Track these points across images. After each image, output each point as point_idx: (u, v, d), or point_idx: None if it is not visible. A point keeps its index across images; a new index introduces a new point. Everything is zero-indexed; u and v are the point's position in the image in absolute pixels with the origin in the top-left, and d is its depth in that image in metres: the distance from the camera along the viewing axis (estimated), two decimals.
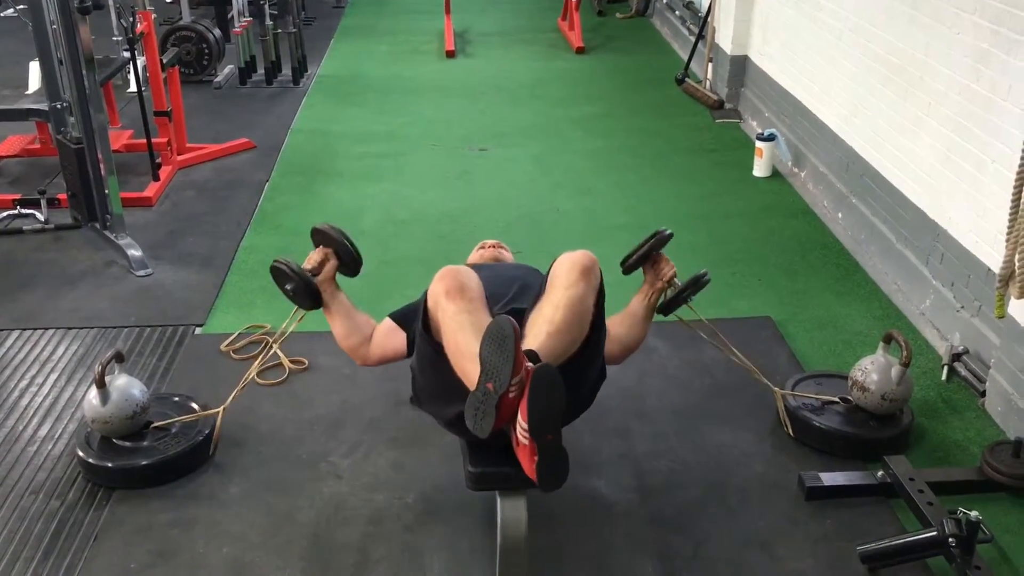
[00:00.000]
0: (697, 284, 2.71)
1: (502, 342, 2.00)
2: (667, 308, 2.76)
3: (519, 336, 2.01)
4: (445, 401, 2.31)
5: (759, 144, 5.23)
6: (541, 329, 2.21)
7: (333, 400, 3.23)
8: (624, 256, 2.75)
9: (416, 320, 2.44)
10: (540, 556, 2.48)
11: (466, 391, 2.18)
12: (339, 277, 2.76)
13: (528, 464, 2.05)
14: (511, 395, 2.00)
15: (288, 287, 2.68)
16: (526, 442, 2.03)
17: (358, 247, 2.72)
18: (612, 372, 2.56)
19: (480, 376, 2.04)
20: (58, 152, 4.36)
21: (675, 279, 2.72)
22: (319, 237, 2.74)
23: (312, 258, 2.70)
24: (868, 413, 2.97)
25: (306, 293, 2.65)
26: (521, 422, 2.02)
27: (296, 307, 2.78)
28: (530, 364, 2.06)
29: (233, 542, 2.61)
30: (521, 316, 2.36)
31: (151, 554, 2.56)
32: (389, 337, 2.65)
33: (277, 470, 2.89)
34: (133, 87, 5.64)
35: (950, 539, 2.38)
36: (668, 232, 2.74)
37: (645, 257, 2.73)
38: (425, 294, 2.35)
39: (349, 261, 2.71)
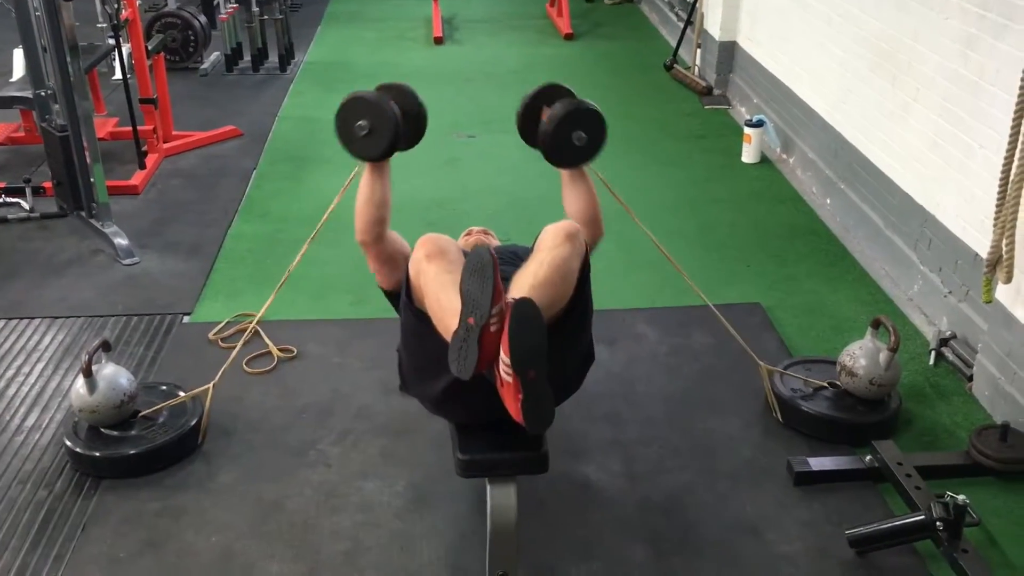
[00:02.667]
0: (567, 109, 2.40)
1: (481, 271, 2.00)
2: (550, 152, 2.49)
3: (497, 265, 2.01)
4: (432, 375, 2.29)
5: (747, 130, 5.22)
6: (524, 282, 2.19)
7: (322, 388, 3.23)
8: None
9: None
10: (530, 542, 2.49)
11: None
12: None
13: (513, 404, 2.04)
14: (492, 328, 2.00)
15: (363, 123, 2.34)
16: (510, 379, 2.01)
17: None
18: (601, 358, 2.55)
19: (462, 313, 2.03)
20: (43, 140, 4.33)
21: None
22: (388, 91, 2.46)
23: None
24: (856, 398, 2.98)
25: (389, 129, 2.33)
26: (504, 358, 2.01)
27: (358, 158, 2.46)
28: (510, 299, 2.05)
29: (222, 531, 2.61)
30: (508, 282, 2.33)
31: (140, 543, 2.56)
32: (403, 253, 2.52)
33: (266, 458, 2.89)
34: (118, 74, 5.59)
35: (938, 523, 2.40)
36: (556, 83, 2.56)
37: (532, 108, 2.53)
38: (407, 267, 2.33)
39: (416, 120, 2.48)
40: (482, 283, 2.00)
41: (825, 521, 2.65)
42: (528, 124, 2.58)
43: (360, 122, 2.36)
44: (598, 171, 2.69)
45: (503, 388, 2.06)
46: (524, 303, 2.02)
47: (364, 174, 2.50)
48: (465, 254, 2.36)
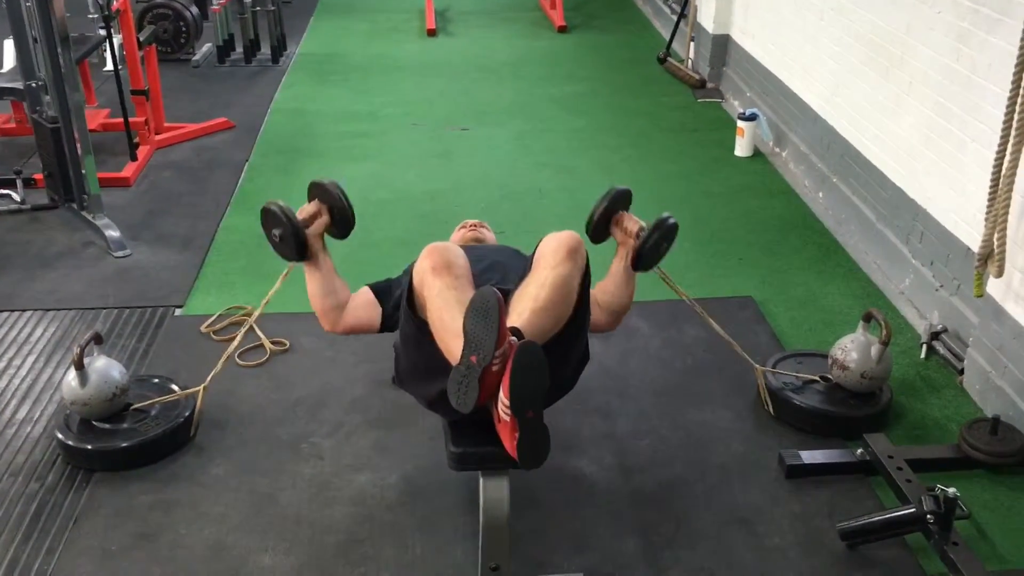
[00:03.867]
0: (662, 226, 2.57)
1: (486, 313, 2.00)
2: (639, 260, 2.60)
3: (503, 307, 2.00)
4: (428, 380, 2.31)
5: (741, 124, 5.23)
6: (525, 307, 2.21)
7: (314, 381, 3.22)
8: (586, 222, 2.66)
9: (396, 297, 2.42)
10: (523, 535, 2.49)
11: (449, 369, 2.17)
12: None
13: (509, 441, 2.05)
14: (494, 368, 2.00)
15: (276, 232, 2.55)
16: (507, 419, 2.03)
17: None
18: (594, 352, 2.56)
19: (464, 349, 2.03)
20: (34, 131, 4.31)
21: (642, 232, 2.61)
22: (316, 191, 2.64)
23: (305, 210, 2.60)
24: (848, 391, 2.99)
25: (293, 241, 2.53)
26: (503, 398, 2.02)
27: (283, 260, 2.65)
28: (514, 339, 2.06)
29: (214, 524, 2.60)
30: (506, 297, 2.35)
31: (132, 536, 2.56)
32: (365, 309, 2.62)
33: (259, 451, 2.89)
34: (109, 65, 5.58)
35: (928, 516, 2.41)
36: (624, 188, 2.66)
37: (606, 217, 2.63)
38: (409, 271, 2.33)
39: (341, 220, 2.61)
40: (486, 325, 1.99)
41: (816, 514, 2.66)
42: (600, 228, 2.67)
43: (274, 230, 2.56)
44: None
45: (500, 424, 2.07)
46: (528, 348, 2.01)
47: (305, 272, 2.63)
48: (469, 254, 2.37)
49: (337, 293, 2.63)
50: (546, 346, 2.14)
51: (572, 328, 2.29)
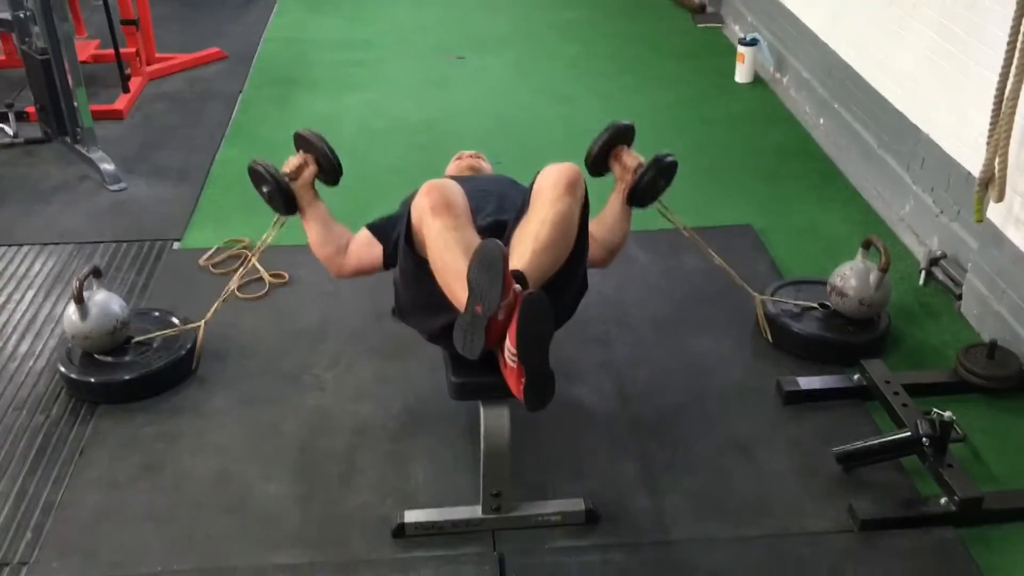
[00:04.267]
0: (659, 163, 2.58)
1: (491, 265, 1.99)
2: (636, 197, 2.63)
3: (507, 261, 2.00)
4: (429, 314, 2.31)
5: (741, 49, 5.15)
6: (527, 247, 2.20)
7: (314, 313, 3.23)
8: (585, 155, 2.65)
9: (396, 234, 2.41)
10: (523, 462, 2.52)
11: (449, 304, 2.18)
12: (319, 186, 2.71)
13: (515, 386, 2.07)
14: (499, 317, 2.01)
15: (264, 190, 2.62)
16: (514, 365, 2.04)
17: (339, 155, 2.67)
18: (593, 282, 2.56)
19: (468, 299, 2.04)
20: (24, 64, 4.25)
21: (640, 168, 2.62)
22: (300, 142, 2.68)
23: (291, 162, 2.64)
24: (846, 318, 3.00)
25: (281, 197, 2.60)
26: (509, 347, 2.03)
27: (275, 213, 2.73)
28: (518, 287, 2.06)
29: (219, 454, 2.64)
30: (503, 229, 2.34)
31: (137, 467, 2.59)
32: (366, 249, 2.63)
33: (260, 383, 2.91)
34: None
35: (923, 439, 2.44)
36: (626, 122, 2.65)
37: (605, 152, 2.63)
38: (408, 207, 2.32)
39: (328, 168, 2.65)
40: (491, 277, 1.99)
41: (813, 439, 2.69)
42: (598, 162, 2.67)
43: (262, 188, 2.63)
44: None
45: (506, 369, 2.09)
46: (534, 299, 2.01)
47: (302, 222, 2.67)
48: (466, 185, 2.35)
49: (337, 239, 2.65)
50: (547, 281, 2.15)
51: (572, 262, 2.29)
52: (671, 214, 2.86)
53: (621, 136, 2.65)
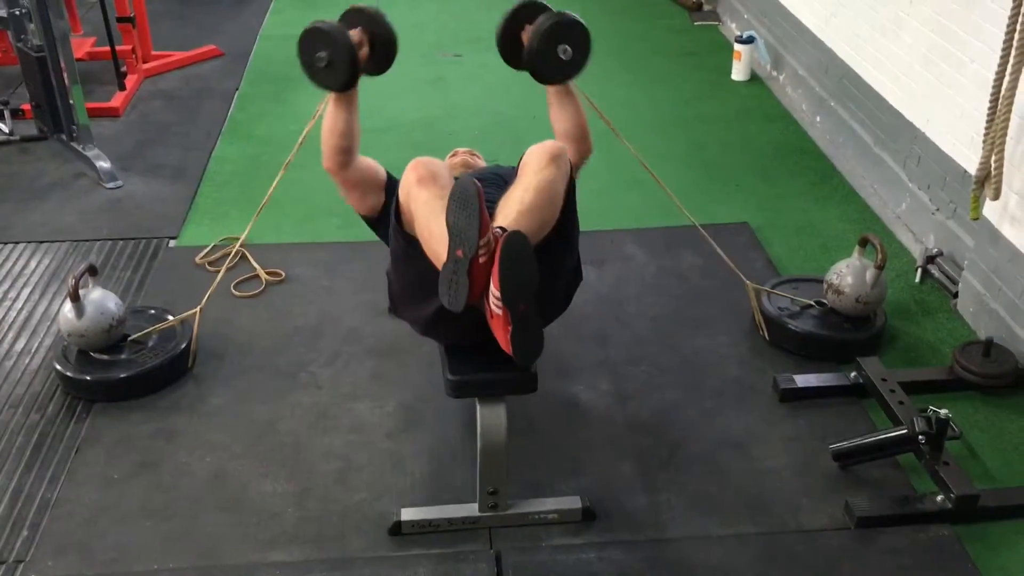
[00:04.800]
0: (548, 22, 2.37)
1: (466, 201, 1.98)
2: (531, 66, 2.44)
3: (482, 196, 1.99)
4: (422, 299, 2.29)
5: (738, 47, 5.15)
6: (512, 209, 2.18)
7: (311, 311, 3.23)
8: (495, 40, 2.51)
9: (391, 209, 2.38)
10: (519, 460, 2.52)
11: None
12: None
13: (503, 336, 2.05)
14: (481, 259, 2.00)
15: (322, 55, 2.30)
16: (499, 312, 2.02)
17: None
18: (589, 279, 2.56)
19: (449, 245, 2.03)
20: (19, 61, 4.24)
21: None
22: (359, 18, 2.42)
23: (351, 35, 2.36)
24: (842, 316, 3.01)
25: (348, 61, 2.30)
26: (494, 291, 2.01)
27: (323, 92, 2.43)
28: (499, 230, 2.05)
29: (215, 451, 2.63)
30: (493, 207, 2.32)
31: (134, 465, 2.58)
32: (375, 178, 2.54)
33: (257, 381, 2.90)
34: None
35: (920, 436, 2.44)
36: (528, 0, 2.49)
37: (512, 33, 2.48)
38: (397, 190, 2.31)
39: (384, 50, 2.42)
40: (468, 215, 1.98)
41: (810, 436, 2.69)
42: (508, 44, 2.53)
43: (319, 53, 2.32)
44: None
45: (493, 320, 2.07)
46: (514, 237, 2.00)
47: (329, 103, 2.45)
48: (456, 179, 2.34)
49: (355, 138, 2.48)
50: (536, 253, 2.12)
51: (561, 236, 2.27)
52: (595, 105, 2.69)
53: (524, 12, 2.50)
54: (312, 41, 2.33)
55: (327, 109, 2.46)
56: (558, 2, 2.51)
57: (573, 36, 2.41)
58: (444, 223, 2.07)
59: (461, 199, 2.00)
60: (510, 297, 2.00)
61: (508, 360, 2.11)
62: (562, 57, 2.41)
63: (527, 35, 2.46)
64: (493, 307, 2.04)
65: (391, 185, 2.57)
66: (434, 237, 2.14)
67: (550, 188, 2.21)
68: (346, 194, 2.58)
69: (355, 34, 2.39)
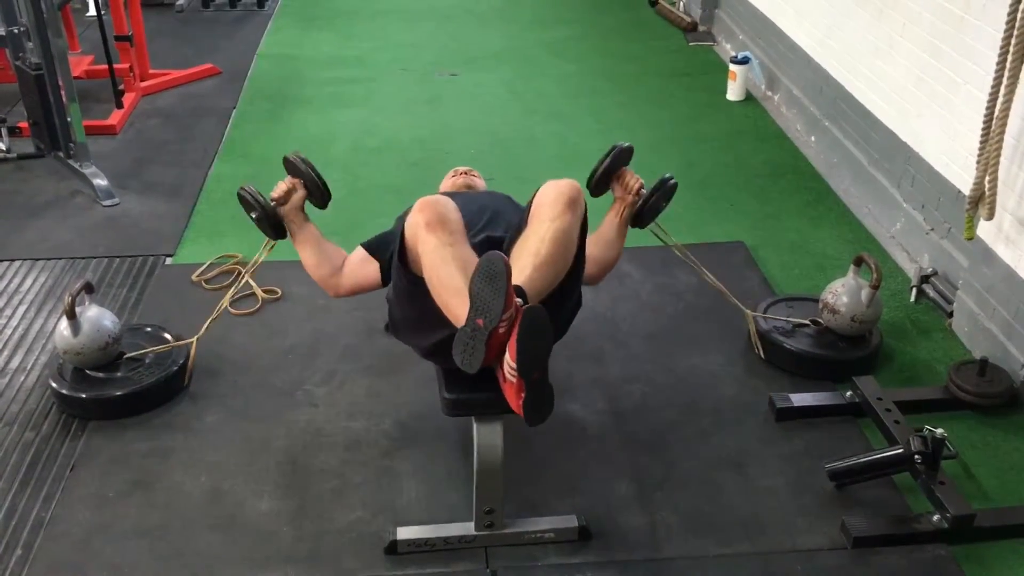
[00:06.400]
0: (663, 186, 2.66)
1: (494, 278, 1.99)
2: (639, 218, 2.69)
3: (510, 273, 2.01)
4: (424, 331, 2.31)
5: (732, 67, 5.18)
6: (527, 263, 2.20)
7: (307, 329, 3.23)
8: (588, 177, 2.68)
9: (392, 250, 2.41)
10: (516, 479, 2.52)
11: (445, 320, 2.17)
12: (310, 208, 2.71)
13: (515, 401, 2.07)
14: (501, 331, 2.01)
15: (253, 215, 2.64)
16: (514, 380, 2.04)
17: (326, 178, 2.66)
18: (586, 299, 2.56)
19: (470, 312, 2.03)
20: (17, 79, 4.25)
21: (643, 190, 2.67)
22: (288, 167, 2.70)
23: (280, 187, 2.65)
24: (838, 335, 3.01)
25: (269, 223, 2.62)
26: (509, 361, 2.03)
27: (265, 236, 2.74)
28: (519, 300, 2.06)
29: (211, 470, 2.62)
30: (498, 245, 2.34)
31: (128, 483, 2.58)
32: (361, 267, 2.63)
33: (253, 399, 2.90)
34: (92, 11, 5.47)
35: (916, 456, 2.44)
36: (627, 145, 2.68)
37: (609, 174, 2.67)
38: (401, 224, 2.32)
39: (316, 192, 2.66)
40: (494, 290, 1.99)
41: (805, 455, 2.69)
42: (603, 182, 2.68)
43: (251, 213, 2.64)
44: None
45: (505, 384, 2.09)
46: (534, 313, 2.01)
47: (294, 245, 2.66)
48: (459, 200, 2.35)
49: (331, 259, 2.64)
50: (545, 299, 2.15)
51: (570, 279, 2.30)
52: (665, 234, 2.88)
53: (623, 158, 2.68)
54: (242, 204, 2.65)
55: (298, 252, 2.66)
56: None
57: (671, 195, 2.73)
58: (455, 272, 2.11)
59: (489, 274, 2.00)
60: (526, 369, 2.02)
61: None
62: (658, 211, 2.73)
63: (623, 179, 2.65)
64: (507, 375, 2.05)
65: (375, 249, 2.60)
66: (445, 288, 2.15)
67: (566, 238, 2.23)
68: (360, 293, 2.69)
69: (286, 184, 2.63)
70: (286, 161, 2.69)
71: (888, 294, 3.41)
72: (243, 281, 3.06)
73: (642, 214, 2.67)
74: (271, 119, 4.97)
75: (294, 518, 2.47)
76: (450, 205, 2.30)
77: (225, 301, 2.98)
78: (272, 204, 2.62)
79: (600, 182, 2.67)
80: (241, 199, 2.65)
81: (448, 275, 2.14)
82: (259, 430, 2.77)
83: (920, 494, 2.50)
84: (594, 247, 2.63)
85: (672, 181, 2.68)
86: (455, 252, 2.17)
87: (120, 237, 3.81)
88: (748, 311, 3.11)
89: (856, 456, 2.58)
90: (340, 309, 3.31)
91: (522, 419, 2.10)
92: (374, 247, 2.62)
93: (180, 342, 2.97)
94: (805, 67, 4.69)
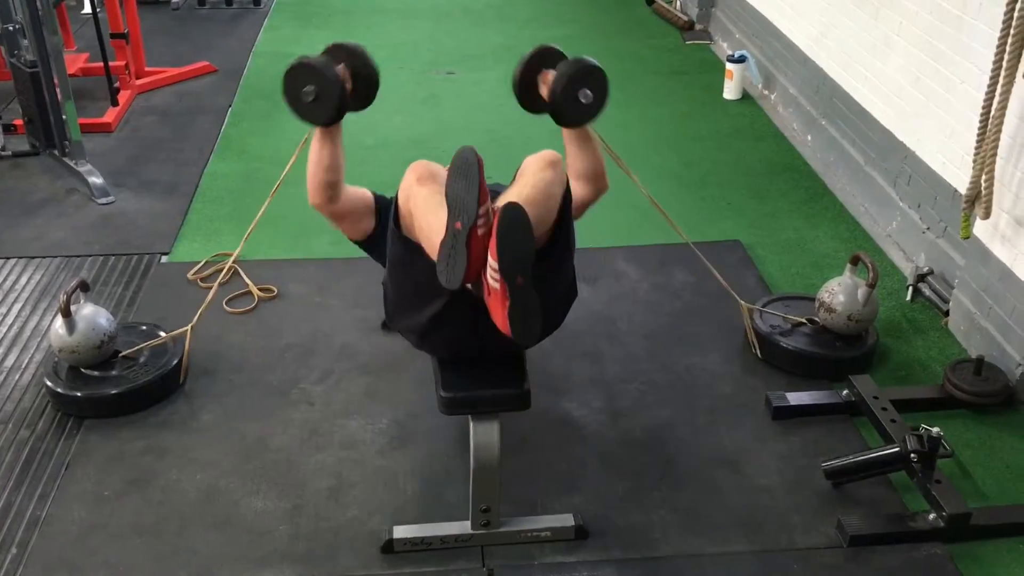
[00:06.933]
0: (573, 68, 2.38)
1: (466, 170, 2.00)
2: (557, 112, 2.45)
3: (482, 166, 2.01)
4: (417, 305, 2.28)
5: (729, 66, 5.18)
6: (510, 199, 2.19)
7: (303, 328, 3.22)
8: (512, 83, 2.53)
9: (387, 218, 2.38)
10: (513, 477, 2.52)
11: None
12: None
13: (500, 312, 2.04)
14: (480, 231, 2.00)
15: (309, 89, 2.33)
16: (497, 286, 2.01)
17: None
18: (582, 296, 2.56)
19: (448, 217, 2.03)
20: (12, 77, 4.23)
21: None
22: (341, 54, 2.45)
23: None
24: (834, 334, 3.01)
25: (336, 95, 2.33)
26: (491, 262, 2.01)
27: (307, 123, 2.44)
28: (496, 205, 2.05)
29: (206, 469, 2.62)
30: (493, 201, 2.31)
31: (124, 482, 2.57)
32: (361, 208, 2.55)
33: (249, 397, 2.89)
34: (87, 8, 5.46)
35: (912, 455, 2.45)
36: (549, 45, 2.53)
37: (530, 77, 2.50)
38: (396, 195, 2.31)
39: (367, 86, 2.48)
40: (467, 184, 2.00)
41: (802, 454, 2.69)
42: (525, 88, 2.55)
43: (306, 88, 2.34)
44: None
45: (490, 296, 2.06)
46: (512, 207, 2.01)
47: (314, 138, 2.46)
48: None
49: (341, 172, 2.51)
50: (535, 272, 2.12)
51: (557, 244, 2.27)
52: (615, 156, 2.71)
53: (546, 59, 2.52)
54: (301, 75, 2.35)
55: (312, 145, 2.47)
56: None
57: (593, 81, 2.44)
58: (442, 215, 2.07)
59: (461, 168, 2.01)
60: (508, 268, 1.99)
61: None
62: (583, 101, 2.43)
63: (548, 81, 2.46)
64: (491, 280, 2.03)
65: (380, 206, 2.59)
66: (433, 230, 2.14)
67: (547, 187, 2.22)
68: (337, 224, 2.59)
69: (339, 70, 2.42)
70: (339, 48, 2.47)
71: (884, 293, 3.41)
72: (231, 271, 3.03)
73: (554, 104, 2.42)
74: (267, 117, 4.96)
75: (290, 517, 2.46)
76: (439, 166, 2.32)
77: (216, 286, 2.95)
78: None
79: (522, 86, 2.54)
80: (301, 69, 2.35)
81: (437, 220, 2.11)
82: (255, 429, 2.76)
83: (916, 493, 2.51)
84: (569, 166, 2.54)
85: (586, 62, 2.40)
86: (444, 200, 2.13)
87: (115, 235, 3.80)
88: (743, 302, 3.10)
89: (852, 455, 2.58)
90: (336, 308, 3.30)
91: (511, 335, 2.03)
92: (379, 203, 2.57)
93: (174, 332, 2.95)
94: (802, 66, 4.69)
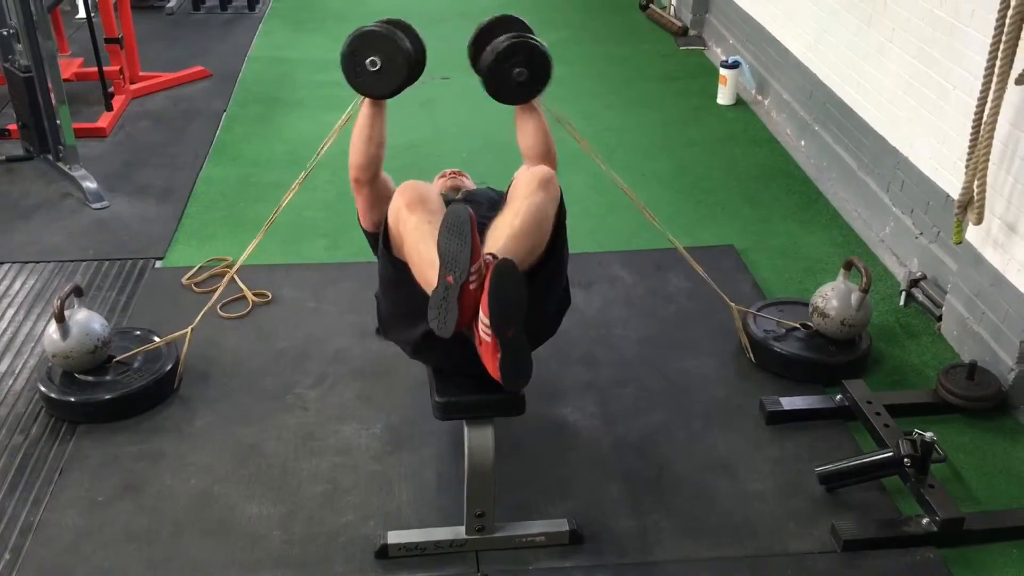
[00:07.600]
0: (507, 43, 2.33)
1: (459, 228, 1.99)
2: (485, 81, 2.43)
3: (475, 223, 2.00)
4: (410, 323, 2.29)
5: (723, 71, 5.20)
6: (501, 233, 2.19)
7: (298, 333, 3.22)
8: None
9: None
10: (507, 483, 2.51)
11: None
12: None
13: (491, 363, 2.05)
14: (472, 286, 2.00)
15: (376, 58, 2.27)
16: (488, 339, 2.03)
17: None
18: (576, 302, 2.57)
19: (440, 270, 2.03)
20: (7, 81, 4.24)
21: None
22: (398, 28, 2.35)
23: None
24: (828, 338, 3.02)
25: (406, 63, 2.27)
26: (483, 317, 2.01)
27: (365, 95, 2.39)
28: (489, 257, 2.06)
29: (200, 474, 2.62)
30: (483, 230, 2.32)
31: (118, 487, 2.56)
32: (392, 191, 2.44)
33: (243, 402, 2.89)
34: (82, 13, 5.46)
35: (905, 459, 2.45)
36: (505, 14, 2.50)
37: (482, 41, 2.47)
38: (385, 216, 2.31)
39: (418, 63, 2.41)
40: (460, 241, 1.99)
41: (795, 458, 2.70)
42: (475, 58, 2.50)
43: (371, 58, 2.28)
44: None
45: (482, 347, 2.07)
46: (504, 265, 2.01)
47: (363, 112, 2.42)
48: (446, 201, 2.34)
49: (383, 147, 2.47)
50: (526, 278, 2.13)
51: (550, 261, 2.28)
52: (571, 127, 2.66)
53: (496, 29, 2.49)
54: (366, 44, 2.29)
55: (361, 119, 2.43)
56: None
57: (530, 59, 2.38)
58: (432, 246, 2.07)
59: (453, 225, 2.00)
60: (499, 324, 2.00)
61: (496, 383, 2.11)
62: (517, 79, 2.38)
63: (494, 55, 2.42)
64: (482, 334, 2.04)
65: None
66: (424, 261, 2.15)
67: (539, 212, 2.22)
68: (365, 209, 2.55)
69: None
70: (396, 23, 2.40)
71: (877, 298, 3.42)
72: (228, 280, 3.03)
73: (487, 82, 2.38)
74: (261, 122, 4.96)
75: (284, 522, 2.46)
76: (429, 187, 2.31)
77: (215, 297, 2.95)
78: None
79: (476, 48, 2.50)
80: (370, 36, 2.28)
81: (427, 249, 2.12)
82: (249, 434, 2.76)
83: (909, 497, 2.51)
84: (519, 145, 2.52)
85: (525, 41, 2.34)
86: (435, 228, 2.14)
87: (109, 240, 3.79)
88: (735, 305, 3.10)
89: (846, 460, 2.59)
90: (330, 313, 3.30)
91: (503, 384, 2.05)
92: None
93: (171, 336, 2.95)
94: (795, 72, 4.70)
